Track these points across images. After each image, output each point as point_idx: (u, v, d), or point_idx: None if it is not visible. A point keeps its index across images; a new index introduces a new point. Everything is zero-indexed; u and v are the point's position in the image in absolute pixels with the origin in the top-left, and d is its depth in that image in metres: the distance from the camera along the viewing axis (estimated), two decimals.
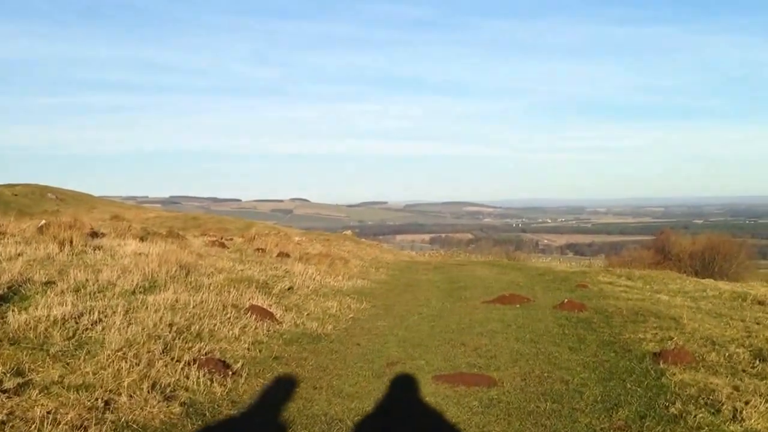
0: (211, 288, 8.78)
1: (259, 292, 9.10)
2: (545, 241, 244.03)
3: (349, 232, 62.78)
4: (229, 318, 7.41)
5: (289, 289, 10.29)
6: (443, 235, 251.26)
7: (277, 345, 7.09)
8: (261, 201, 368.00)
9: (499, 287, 12.63)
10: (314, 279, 11.67)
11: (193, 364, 5.54)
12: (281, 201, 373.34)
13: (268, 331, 7.52)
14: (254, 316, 7.84)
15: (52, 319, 5.99)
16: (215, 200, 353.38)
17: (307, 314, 8.83)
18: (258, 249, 14.99)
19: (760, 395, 5.50)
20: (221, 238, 20.44)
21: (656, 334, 8.20)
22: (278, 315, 8.32)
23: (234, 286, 8.99)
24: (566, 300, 10.06)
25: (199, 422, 4.62)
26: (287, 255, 14.50)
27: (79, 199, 68.78)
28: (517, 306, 10.13)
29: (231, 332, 6.97)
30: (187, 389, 5.11)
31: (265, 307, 8.43)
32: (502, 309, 9.90)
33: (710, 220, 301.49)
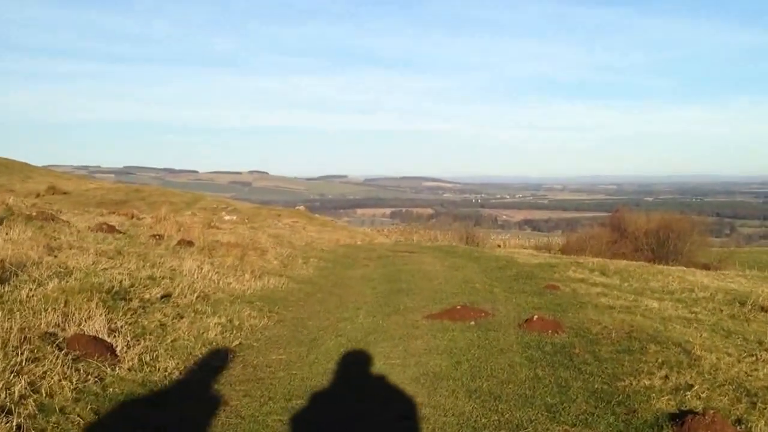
0: (27, 305, 5.98)
1: (106, 307, 6.31)
2: (504, 216, 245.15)
3: (302, 207, 59.97)
4: (14, 365, 4.64)
5: (162, 297, 7.53)
6: (403, 209, 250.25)
7: (90, 413, 4.37)
8: (219, 173, 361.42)
9: (450, 290, 10.06)
10: (209, 280, 8.93)
11: None
12: (239, 173, 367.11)
13: (87, 382, 4.78)
14: (75, 354, 5.12)
15: None
16: (171, 171, 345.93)
17: (171, 341, 6.10)
18: (155, 235, 12.15)
19: None
20: (131, 217, 17.52)
21: (666, 376, 5.70)
22: (120, 348, 5.58)
23: (68, 300, 6.20)
24: (535, 316, 7.50)
25: None
26: (189, 243, 11.69)
27: (13, 168, 64.28)
28: (472, 323, 7.53)
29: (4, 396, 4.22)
30: None
31: (102, 335, 5.69)
32: (452, 329, 7.30)
33: (660, 197, 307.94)
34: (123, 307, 6.67)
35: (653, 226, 58.97)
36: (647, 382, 5.52)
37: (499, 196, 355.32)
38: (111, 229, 12.43)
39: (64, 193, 53.50)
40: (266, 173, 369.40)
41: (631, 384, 5.48)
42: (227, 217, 23.89)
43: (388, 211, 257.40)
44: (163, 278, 8.41)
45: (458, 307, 8.06)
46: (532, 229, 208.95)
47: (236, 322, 7.23)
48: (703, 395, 5.27)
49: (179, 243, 11.67)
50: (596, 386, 5.43)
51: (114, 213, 19.53)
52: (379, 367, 5.88)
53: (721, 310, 9.82)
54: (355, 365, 5.96)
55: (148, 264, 9.09)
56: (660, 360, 6.16)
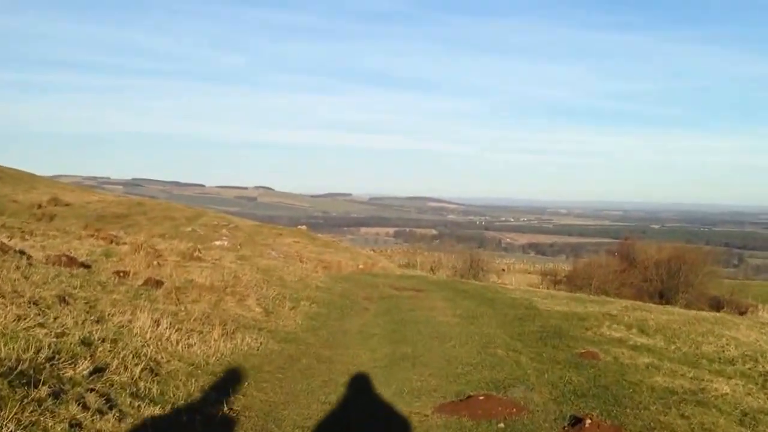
0: None
1: None
2: (507, 239, 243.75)
3: (303, 227, 58.19)
4: None
5: (93, 373, 5.67)
6: (407, 229, 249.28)
7: None
8: (225, 187, 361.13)
9: (467, 358, 8.15)
10: (166, 341, 7.07)
11: None
12: (245, 188, 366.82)
13: None
14: None
15: None
16: (178, 184, 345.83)
17: None
18: (120, 272, 10.28)
19: None
20: (109, 242, 15.70)
21: None
22: None
23: None
24: (587, 421, 5.59)
25: None
26: (157, 284, 9.83)
27: (18, 178, 62.77)
28: (500, 425, 5.63)
29: None
30: None
31: None
32: None
33: (667, 225, 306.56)
34: (21, 397, 4.80)
35: (664, 256, 57.02)
36: None
37: (503, 219, 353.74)
38: (71, 262, 10.59)
39: (66, 204, 51.88)
40: (271, 189, 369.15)
41: None
42: (218, 243, 22.07)
43: (391, 230, 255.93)
44: (103, 341, 6.55)
45: (481, 397, 6.14)
46: (536, 253, 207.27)
47: (184, 417, 5.34)
48: None
49: (145, 283, 9.82)
50: None
51: (93, 236, 17.71)
52: None
53: None
54: None
55: (91, 318, 7.22)
56: None
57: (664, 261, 56.17)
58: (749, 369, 9.12)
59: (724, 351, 10.12)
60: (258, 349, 7.85)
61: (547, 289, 52.13)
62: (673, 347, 10.02)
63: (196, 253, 14.26)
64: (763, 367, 9.28)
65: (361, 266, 32.63)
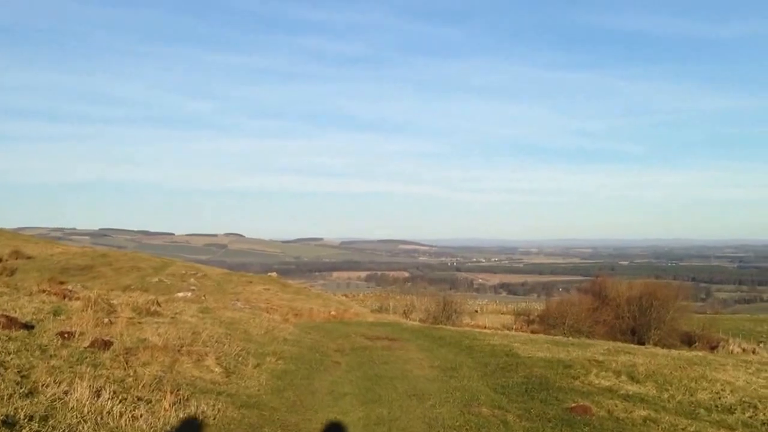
0: None
1: None
2: (479, 280, 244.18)
3: (274, 274, 57.22)
4: None
5: None
6: (379, 272, 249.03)
7: None
8: (194, 235, 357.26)
9: (449, 420, 7.35)
10: (106, 415, 6.18)
11: None
12: (215, 236, 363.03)
13: None
14: None
15: None
16: (147, 233, 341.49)
17: None
18: (64, 333, 9.34)
19: None
20: (62, 297, 14.67)
21: None
22: None
23: None
24: None
25: None
26: (106, 345, 8.91)
27: None
28: None
29: None
30: None
31: None
32: None
33: (635, 261, 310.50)
34: None
35: (635, 293, 56.94)
36: None
37: (474, 260, 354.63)
38: (11, 323, 9.60)
39: (28, 257, 50.17)
40: (242, 236, 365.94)
41: None
42: (181, 294, 21.04)
43: (363, 274, 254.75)
44: (30, 419, 5.66)
45: None
46: (508, 293, 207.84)
47: None
48: None
49: (92, 344, 8.89)
50: None
51: (45, 291, 16.64)
52: None
53: None
54: None
55: (21, 391, 6.31)
56: None
57: (636, 298, 56.00)
58: (750, 418, 8.48)
59: (720, 398, 9.48)
60: (215, 418, 6.96)
61: (522, 330, 51.54)
62: (666, 395, 9.35)
63: (154, 308, 13.31)
64: (764, 414, 8.65)
65: (333, 313, 31.70)
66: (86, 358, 8.27)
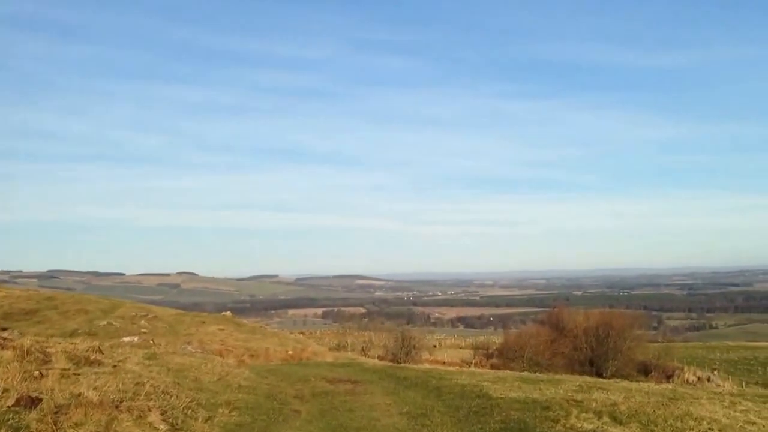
0: None
1: None
2: (436, 314, 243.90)
3: (228, 313, 55.59)
4: None
5: None
6: (335, 309, 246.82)
7: None
8: (146, 275, 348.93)
9: None
10: None
11: None
12: (168, 275, 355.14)
13: None
14: None
15: None
16: (97, 274, 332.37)
17: None
18: None
19: None
20: None
21: None
22: None
23: None
24: None
25: None
26: (34, 402, 7.86)
27: None
28: None
29: None
30: None
31: None
32: None
33: (588, 291, 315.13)
34: None
35: (592, 323, 57.06)
36: None
37: (431, 293, 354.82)
38: None
39: None
40: (195, 274, 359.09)
41: None
42: (127, 339, 19.76)
43: (320, 311, 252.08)
44: None
45: None
46: (465, 326, 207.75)
47: None
48: None
49: (17, 403, 7.83)
50: None
51: None
52: None
53: None
54: None
55: None
56: None
57: (593, 328, 56.09)
58: None
59: None
60: None
61: (482, 364, 50.89)
62: None
63: (95, 356, 12.18)
64: None
65: (290, 352, 30.57)
66: (8, 420, 7.23)
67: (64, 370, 9.85)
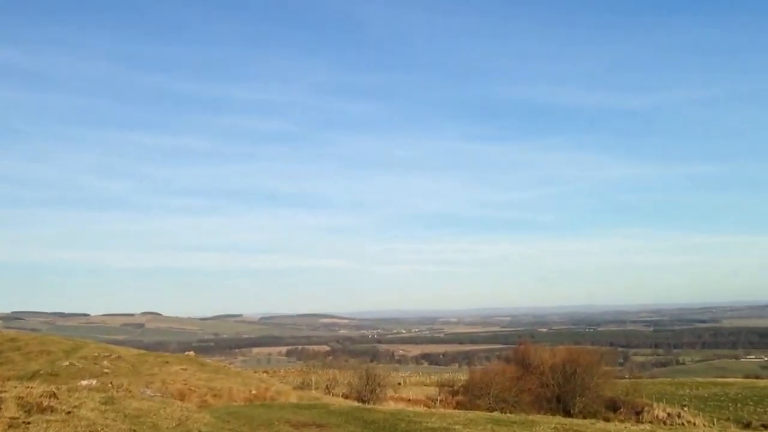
0: None
1: None
2: (401, 351, 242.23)
3: (191, 353, 54.42)
4: None
5: None
6: (300, 347, 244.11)
7: None
8: (111, 315, 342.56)
9: None
10: None
11: None
12: (132, 315, 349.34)
13: None
14: None
15: None
16: (62, 315, 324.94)
17: None
18: None
19: None
20: None
21: None
22: None
23: None
24: None
25: None
26: None
27: None
28: None
29: None
30: None
31: None
32: None
33: (554, 328, 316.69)
34: None
35: (559, 360, 56.86)
36: None
37: (395, 331, 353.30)
38: None
39: None
40: (159, 314, 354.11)
41: None
42: (84, 382, 19.00)
43: (284, 349, 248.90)
44: None
45: None
46: (430, 363, 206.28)
47: None
48: None
49: None
50: None
51: None
52: None
53: None
54: None
55: None
56: None
57: (559, 365, 55.86)
58: None
59: None
60: None
61: (447, 401, 50.34)
62: None
63: (48, 401, 11.57)
64: None
65: (254, 392, 29.88)
66: None
67: (13, 419, 9.28)
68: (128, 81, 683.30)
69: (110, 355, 42.63)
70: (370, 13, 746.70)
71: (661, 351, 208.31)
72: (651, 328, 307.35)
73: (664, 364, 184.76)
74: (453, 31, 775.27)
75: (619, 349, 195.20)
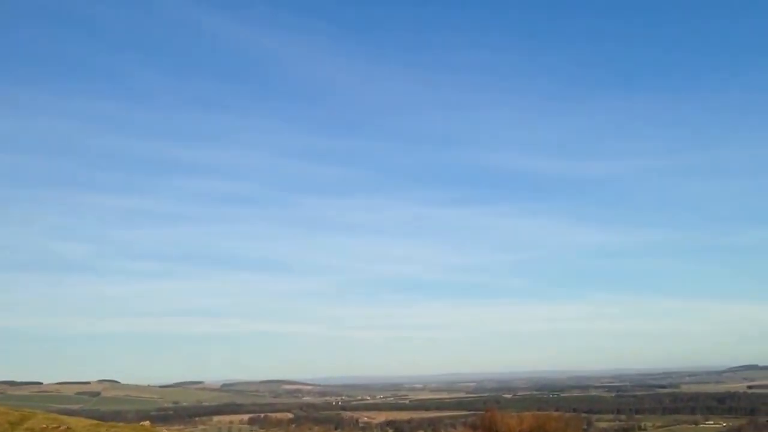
0: None
1: None
2: (365, 418, 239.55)
3: (147, 423, 54.77)
4: None
5: None
6: (262, 415, 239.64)
7: None
8: (65, 383, 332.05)
9: None
10: None
11: None
12: (88, 383, 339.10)
13: None
14: None
15: None
16: (13, 384, 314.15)
17: None
18: None
19: None
20: None
21: None
22: None
23: None
24: None
25: None
26: None
27: None
28: None
29: None
30: None
31: None
32: None
33: (518, 394, 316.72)
34: None
35: (526, 426, 58.51)
36: None
37: (360, 398, 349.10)
38: None
39: None
40: (117, 382, 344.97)
41: None
42: None
43: (246, 417, 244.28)
44: None
45: None
46: (395, 430, 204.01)
47: None
48: None
49: None
50: None
51: None
52: None
53: None
54: None
55: None
56: None
57: (526, 431, 57.40)
58: None
59: None
60: None
61: None
62: None
63: None
64: None
65: None
66: None
67: None
68: (89, 142, 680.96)
69: (59, 426, 42.35)
70: (333, 79, 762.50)
71: (623, 417, 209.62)
72: (613, 394, 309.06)
73: (626, 430, 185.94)
74: (416, 100, 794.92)
75: (583, 414, 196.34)
